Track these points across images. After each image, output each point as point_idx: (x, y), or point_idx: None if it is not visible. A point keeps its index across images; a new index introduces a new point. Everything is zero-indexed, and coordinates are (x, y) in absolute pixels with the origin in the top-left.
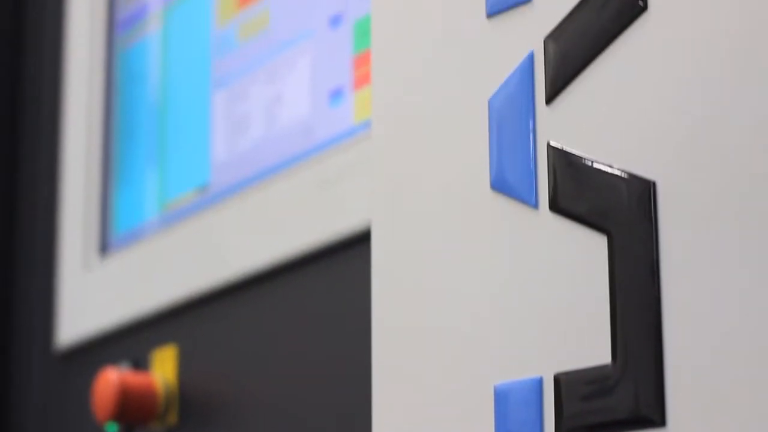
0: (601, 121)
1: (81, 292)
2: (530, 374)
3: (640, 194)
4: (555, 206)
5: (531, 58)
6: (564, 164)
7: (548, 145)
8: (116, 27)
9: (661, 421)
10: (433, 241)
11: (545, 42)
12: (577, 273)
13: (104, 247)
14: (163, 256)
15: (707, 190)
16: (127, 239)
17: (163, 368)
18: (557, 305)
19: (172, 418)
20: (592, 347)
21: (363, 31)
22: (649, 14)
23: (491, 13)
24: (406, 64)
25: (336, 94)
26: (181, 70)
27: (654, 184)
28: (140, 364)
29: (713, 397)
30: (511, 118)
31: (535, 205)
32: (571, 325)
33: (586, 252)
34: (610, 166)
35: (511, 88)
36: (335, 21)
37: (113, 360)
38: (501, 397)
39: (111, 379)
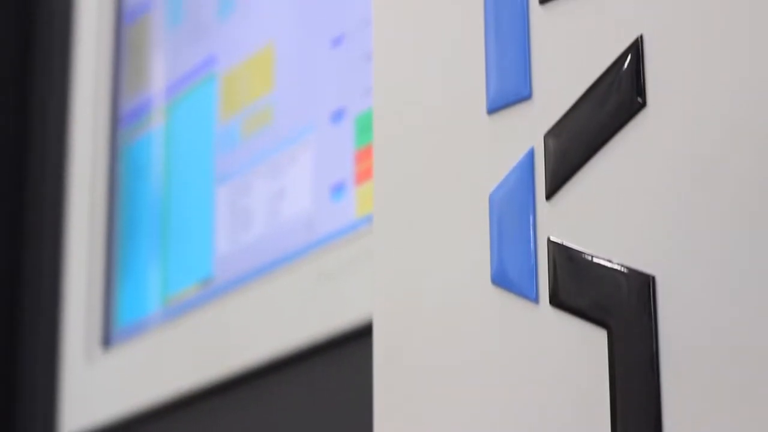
0: (601, 216)
1: (83, 385)
2: None
3: (640, 288)
4: (555, 300)
5: (531, 154)
6: (564, 259)
7: (548, 240)
8: (120, 121)
9: None
10: (434, 335)
11: (545, 138)
12: (577, 367)
13: (107, 340)
14: (165, 350)
15: (706, 284)
16: (129, 332)
17: None
18: (558, 399)
19: None
20: None
21: (365, 126)
22: (648, 112)
23: (491, 110)
24: (407, 160)
25: (338, 189)
26: (185, 164)
27: (653, 278)
28: None
29: None
30: (511, 213)
31: (536, 300)
32: (572, 418)
33: (587, 346)
34: (610, 261)
35: (511, 184)
36: (337, 116)
37: None
38: None
39: None
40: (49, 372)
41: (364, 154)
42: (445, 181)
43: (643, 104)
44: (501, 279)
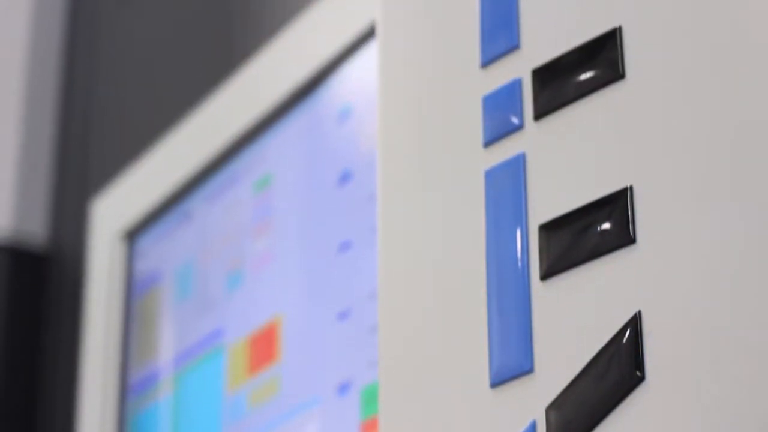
0: None
1: None
2: None
3: None
4: None
5: (533, 428)
6: None
7: None
8: (128, 391)
9: None
10: None
11: (547, 411)
12: None
13: None
14: None
15: None
16: None
17: None
18: None
19: None
20: None
21: (370, 398)
22: (647, 385)
23: (494, 384)
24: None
25: None
26: None
27: None
28: None
29: None
30: None
31: None
32: None
33: None
34: None
35: None
36: (343, 389)
37: None
38: None
39: None
40: None
41: (369, 426)
42: None
43: (642, 378)
44: None
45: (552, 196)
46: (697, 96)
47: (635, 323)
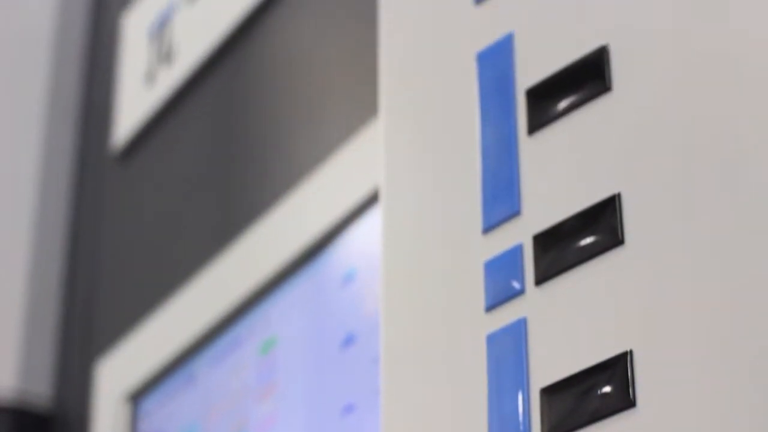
0: None
1: None
2: None
3: None
4: None
5: None
6: None
7: None
8: None
9: None
10: None
11: None
12: None
13: None
14: None
15: None
16: None
17: None
18: None
19: None
20: None
21: None
22: None
23: None
24: None
25: None
26: None
27: None
28: None
29: None
30: None
31: None
32: None
33: None
34: None
35: None
36: None
37: None
38: None
39: None
40: None
41: None
42: None
43: None
44: None
45: (553, 360)
46: (695, 268)
47: None
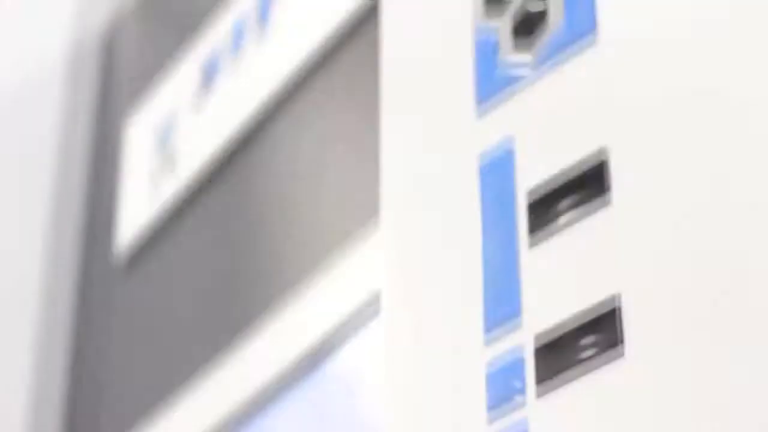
0: None
1: None
2: None
3: None
4: None
5: None
6: None
7: None
8: None
9: None
10: None
11: None
12: None
13: None
14: None
15: None
16: None
17: None
18: None
19: None
20: None
21: None
22: None
23: None
24: None
25: None
26: None
27: None
28: None
29: None
30: None
31: None
32: None
33: None
34: None
35: None
36: None
37: None
38: None
39: None
40: None
41: None
42: None
43: None
44: None
45: None
46: (697, 378)
47: None
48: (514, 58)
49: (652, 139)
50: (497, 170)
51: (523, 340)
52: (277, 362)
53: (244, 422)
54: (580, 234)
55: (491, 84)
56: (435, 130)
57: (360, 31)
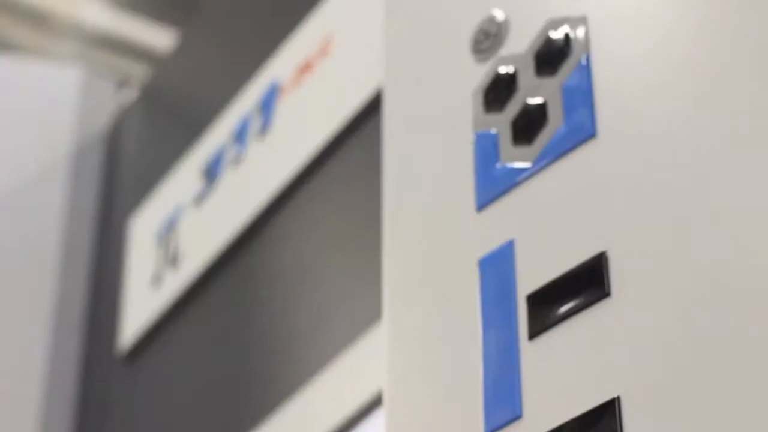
0: None
1: None
2: None
3: None
4: None
5: None
6: None
7: None
8: None
9: None
10: None
11: None
12: None
13: None
14: None
15: None
16: None
17: None
18: None
19: None
20: None
21: None
22: None
23: None
24: None
25: None
26: None
27: None
28: None
29: None
30: None
31: None
32: None
33: None
34: None
35: None
36: None
37: None
38: None
39: None
40: None
41: None
42: None
43: None
44: None
45: None
46: None
47: None
48: (514, 152)
49: (651, 237)
50: (497, 266)
51: None
52: None
53: None
54: (580, 329)
55: (491, 181)
56: (436, 227)
57: (363, 129)
